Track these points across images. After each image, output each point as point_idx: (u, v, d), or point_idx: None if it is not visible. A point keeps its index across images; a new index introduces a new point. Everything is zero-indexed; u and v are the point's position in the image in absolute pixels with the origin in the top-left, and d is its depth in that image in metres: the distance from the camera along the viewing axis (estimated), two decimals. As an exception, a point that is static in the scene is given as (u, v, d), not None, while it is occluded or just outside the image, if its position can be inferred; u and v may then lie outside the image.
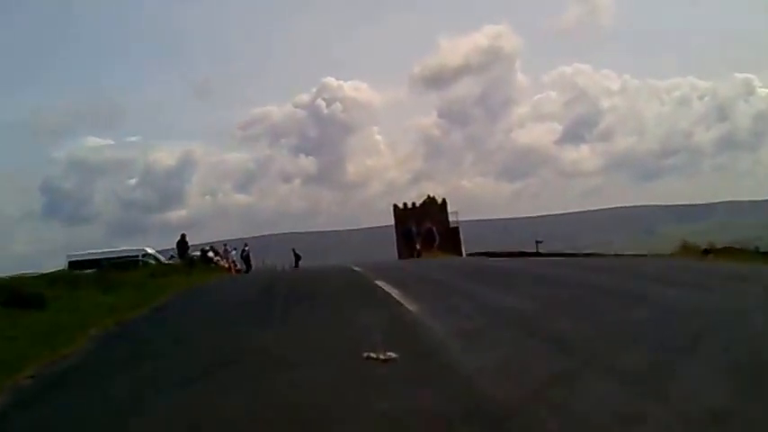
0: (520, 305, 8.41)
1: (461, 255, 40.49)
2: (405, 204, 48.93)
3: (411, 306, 8.67)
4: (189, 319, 10.44)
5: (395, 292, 10.39)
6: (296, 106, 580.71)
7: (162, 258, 27.68)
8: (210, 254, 28.07)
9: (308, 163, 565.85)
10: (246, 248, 31.01)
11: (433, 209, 46.58)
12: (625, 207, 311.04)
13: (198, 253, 27.44)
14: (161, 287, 15.79)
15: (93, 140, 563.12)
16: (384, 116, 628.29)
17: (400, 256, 41.68)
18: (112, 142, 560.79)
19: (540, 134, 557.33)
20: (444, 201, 48.16)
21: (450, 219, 46.35)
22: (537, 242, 43.46)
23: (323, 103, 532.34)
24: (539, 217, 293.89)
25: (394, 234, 48.77)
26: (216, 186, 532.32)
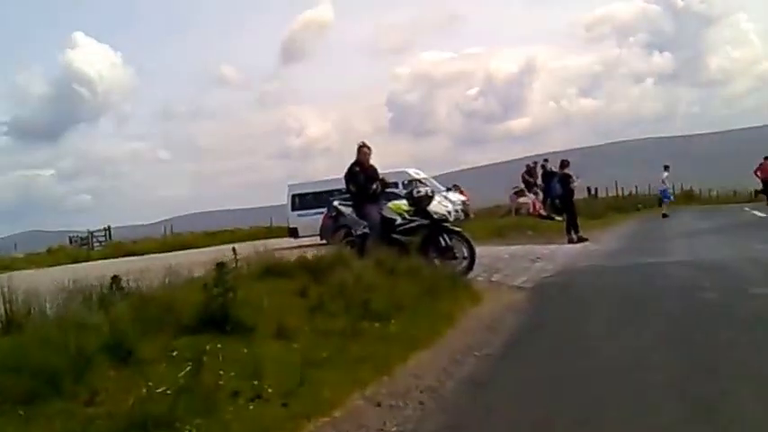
0: None
1: None
2: None
3: None
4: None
5: None
6: (646, 1, 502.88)
7: (440, 188, 16.76)
8: (440, 204, 8.93)
9: (662, 61, 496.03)
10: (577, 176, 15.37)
11: None
12: None
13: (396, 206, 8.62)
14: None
15: (433, 54, 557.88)
16: (753, 1, 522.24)
17: None
18: (453, 54, 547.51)
19: None
20: None
21: None
22: None
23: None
24: None
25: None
26: (560, 92, 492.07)
